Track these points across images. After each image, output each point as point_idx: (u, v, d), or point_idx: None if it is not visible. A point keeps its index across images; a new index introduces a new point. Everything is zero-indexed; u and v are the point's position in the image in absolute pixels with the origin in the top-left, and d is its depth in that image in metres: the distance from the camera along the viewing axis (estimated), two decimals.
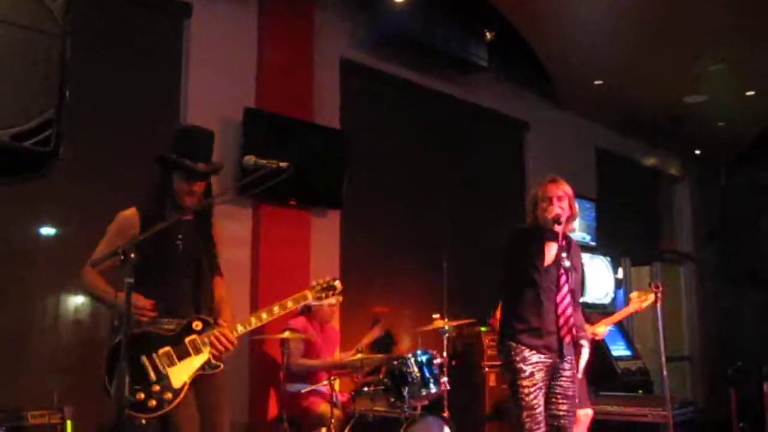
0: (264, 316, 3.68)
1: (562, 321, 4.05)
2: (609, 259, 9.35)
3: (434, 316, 5.82)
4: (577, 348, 4.21)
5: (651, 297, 5.28)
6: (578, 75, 8.52)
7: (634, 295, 5.49)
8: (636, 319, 9.14)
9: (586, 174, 9.98)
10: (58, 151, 2.36)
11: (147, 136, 5.48)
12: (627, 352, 8.36)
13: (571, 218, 4.23)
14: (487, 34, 7.68)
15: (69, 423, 4.26)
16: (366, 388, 5.34)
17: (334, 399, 5.12)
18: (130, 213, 3.64)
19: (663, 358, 5.09)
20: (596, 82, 8.65)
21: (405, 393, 5.12)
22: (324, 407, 5.23)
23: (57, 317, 5.20)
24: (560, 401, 4.06)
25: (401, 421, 5.01)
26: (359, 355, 5.35)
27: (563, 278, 4.09)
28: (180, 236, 3.62)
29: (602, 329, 5.36)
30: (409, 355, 5.25)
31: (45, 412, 4.25)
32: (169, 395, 3.35)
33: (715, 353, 10.62)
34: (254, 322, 3.65)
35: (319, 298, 3.94)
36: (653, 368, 7.93)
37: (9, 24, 2.31)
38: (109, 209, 5.11)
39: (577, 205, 4.28)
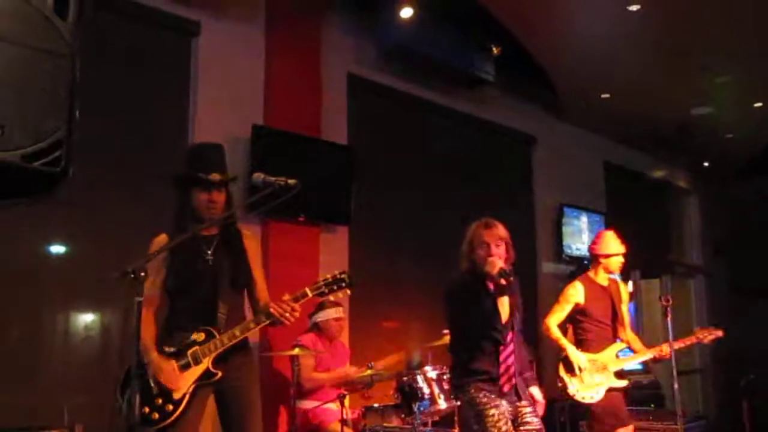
0: (261, 318, 3.68)
1: (503, 369, 4.00)
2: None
3: (444, 331, 5.80)
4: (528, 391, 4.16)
5: (717, 333, 5.60)
6: (585, 89, 8.53)
7: (697, 329, 5.72)
8: (646, 333, 9.10)
9: (594, 187, 9.98)
10: (68, 171, 2.36)
11: (156, 155, 5.52)
12: (638, 366, 8.31)
13: (507, 261, 4.07)
14: (494, 48, 7.71)
15: None
16: (376, 405, 5.32)
17: (345, 416, 5.10)
18: (161, 239, 3.72)
19: (674, 372, 5.06)
20: (603, 96, 8.65)
21: (415, 409, 5.10)
22: (335, 425, 5.21)
23: (67, 335, 5.21)
24: None
25: None
26: (369, 371, 5.34)
27: (510, 333, 4.05)
28: (209, 252, 3.73)
29: (666, 349, 5.43)
30: (419, 371, 5.24)
31: (56, 430, 4.26)
32: (170, 407, 3.51)
33: (726, 366, 10.55)
34: (251, 327, 3.67)
35: (324, 294, 3.81)
36: (664, 382, 7.90)
37: (18, 45, 2.33)
38: (117, 227, 5.17)
39: (512, 251, 4.13)
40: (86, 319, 5.25)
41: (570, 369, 5.44)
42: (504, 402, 3.96)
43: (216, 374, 3.62)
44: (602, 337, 5.55)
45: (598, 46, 7.48)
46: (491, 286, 4.00)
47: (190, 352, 3.59)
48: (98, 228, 5.19)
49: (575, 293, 5.62)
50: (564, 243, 9.13)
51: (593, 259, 5.73)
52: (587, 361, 5.41)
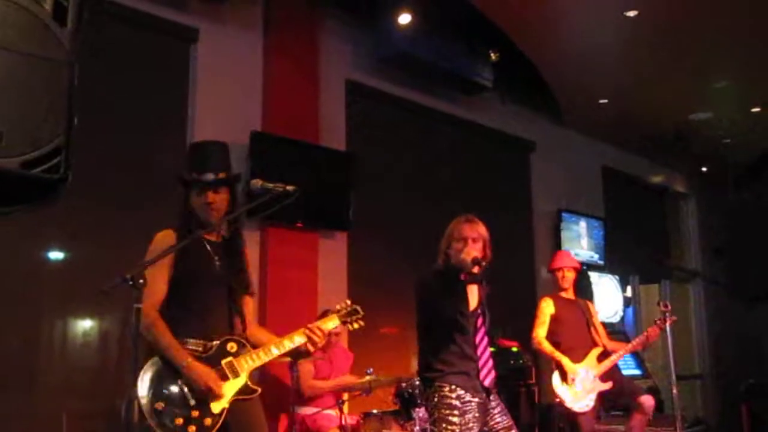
0: (297, 338, 3.53)
1: (481, 363, 3.98)
2: (617, 277, 9.32)
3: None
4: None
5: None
6: (583, 94, 8.54)
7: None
8: None
9: (592, 193, 9.98)
10: (67, 177, 2.37)
11: (154, 161, 5.52)
12: (637, 371, 8.32)
13: (484, 260, 4.02)
14: (492, 54, 7.70)
15: None
16: (375, 410, 5.32)
17: (344, 422, 5.09)
18: (167, 234, 3.43)
19: (673, 377, 5.06)
20: (601, 101, 8.67)
21: (414, 415, 5.10)
22: (333, 431, 5.20)
23: (65, 341, 5.21)
24: None
25: None
26: (367, 377, 5.33)
27: (480, 320, 4.04)
28: (217, 257, 3.49)
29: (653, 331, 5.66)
30: (418, 377, 5.23)
31: None
32: (208, 421, 3.19)
33: (726, 371, 10.56)
34: (287, 345, 3.52)
35: (345, 323, 3.85)
36: (664, 387, 7.89)
37: (17, 52, 2.33)
38: (116, 233, 5.17)
39: (489, 250, 4.10)
40: (85, 325, 5.24)
41: (565, 379, 5.69)
42: (475, 402, 3.89)
43: (256, 390, 3.39)
44: (579, 344, 5.85)
45: (596, 51, 7.49)
46: (462, 276, 3.99)
47: (224, 362, 3.33)
48: (97, 234, 5.19)
49: (546, 306, 6.00)
50: (562, 248, 9.11)
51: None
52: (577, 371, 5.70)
